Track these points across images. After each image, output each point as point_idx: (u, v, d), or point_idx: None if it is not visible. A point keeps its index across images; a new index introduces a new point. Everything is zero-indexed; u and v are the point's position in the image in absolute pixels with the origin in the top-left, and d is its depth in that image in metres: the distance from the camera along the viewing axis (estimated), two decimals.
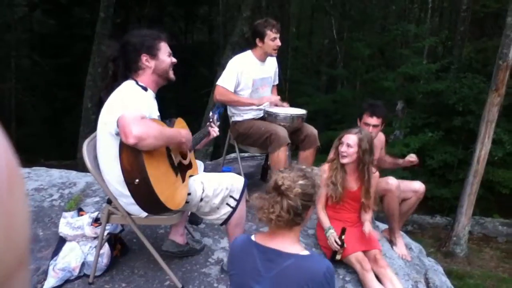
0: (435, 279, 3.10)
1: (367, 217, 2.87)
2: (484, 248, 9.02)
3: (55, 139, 13.26)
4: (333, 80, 16.19)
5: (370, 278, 2.52)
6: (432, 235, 9.62)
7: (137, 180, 1.88)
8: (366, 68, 13.17)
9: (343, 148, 2.76)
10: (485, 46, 12.44)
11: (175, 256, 2.56)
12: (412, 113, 12.05)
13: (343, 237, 2.61)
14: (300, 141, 3.33)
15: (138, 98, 2.02)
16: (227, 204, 2.23)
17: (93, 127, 2.15)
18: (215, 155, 8.70)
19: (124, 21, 14.54)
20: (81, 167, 4.81)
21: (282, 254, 1.56)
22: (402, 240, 3.28)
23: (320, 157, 3.47)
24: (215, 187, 2.20)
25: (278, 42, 3.26)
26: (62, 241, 2.56)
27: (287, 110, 3.32)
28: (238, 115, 3.40)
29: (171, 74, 2.21)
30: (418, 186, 3.22)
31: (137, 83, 2.10)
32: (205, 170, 2.57)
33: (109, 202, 2.24)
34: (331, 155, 2.92)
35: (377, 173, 2.95)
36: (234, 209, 2.23)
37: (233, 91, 3.23)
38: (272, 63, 3.49)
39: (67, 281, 2.38)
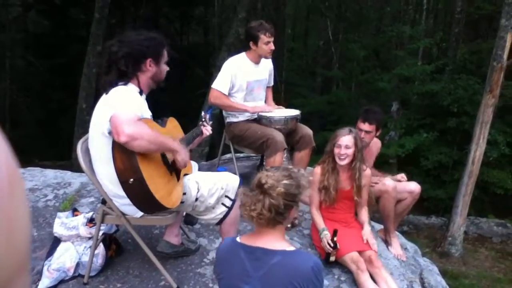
0: (430, 279, 3.11)
1: (365, 218, 2.88)
2: (479, 248, 9.05)
3: (49, 140, 13.17)
4: (329, 81, 16.22)
5: (365, 278, 2.53)
6: (427, 236, 9.64)
7: (131, 179, 1.87)
8: (361, 70, 13.23)
9: (342, 151, 2.75)
10: (479, 47, 12.51)
11: (170, 256, 2.56)
12: (407, 114, 12.10)
13: (335, 238, 2.61)
14: (295, 142, 3.32)
15: (132, 99, 2.01)
16: (223, 204, 2.23)
17: (87, 128, 2.14)
18: (211, 155, 8.69)
19: (119, 22, 14.50)
20: (76, 168, 4.79)
21: (268, 251, 1.56)
22: (397, 240, 3.29)
23: (315, 158, 3.46)
24: (210, 187, 2.19)
25: (271, 46, 3.25)
26: (56, 241, 2.55)
27: (280, 113, 3.32)
28: (233, 116, 3.39)
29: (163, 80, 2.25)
30: (413, 186, 3.23)
31: (137, 84, 2.10)
32: (201, 170, 2.57)
33: (103, 202, 2.24)
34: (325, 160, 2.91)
35: (369, 170, 2.95)
36: (230, 208, 2.23)
37: (227, 93, 3.24)
38: (267, 64, 3.48)
39: (62, 281, 2.37)
